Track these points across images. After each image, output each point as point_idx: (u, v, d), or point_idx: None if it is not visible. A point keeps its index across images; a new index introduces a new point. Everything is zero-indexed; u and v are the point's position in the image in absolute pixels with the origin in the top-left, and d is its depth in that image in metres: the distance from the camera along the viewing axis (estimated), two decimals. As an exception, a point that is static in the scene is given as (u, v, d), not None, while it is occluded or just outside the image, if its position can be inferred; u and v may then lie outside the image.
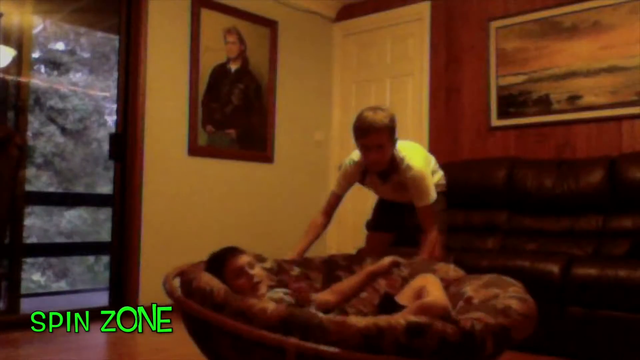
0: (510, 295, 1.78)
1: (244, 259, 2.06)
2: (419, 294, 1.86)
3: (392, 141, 2.70)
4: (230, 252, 2.09)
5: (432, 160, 3.05)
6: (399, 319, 1.49)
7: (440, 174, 3.05)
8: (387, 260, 2.23)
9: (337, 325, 1.47)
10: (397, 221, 3.19)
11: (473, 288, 1.99)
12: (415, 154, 2.83)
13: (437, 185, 2.91)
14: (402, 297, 1.94)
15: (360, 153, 2.73)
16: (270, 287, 2.12)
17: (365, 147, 2.64)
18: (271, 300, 1.88)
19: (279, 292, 2.07)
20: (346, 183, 2.91)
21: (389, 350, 1.44)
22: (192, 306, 1.74)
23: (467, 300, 1.83)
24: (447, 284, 2.11)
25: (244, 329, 1.56)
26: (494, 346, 1.54)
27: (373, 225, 3.38)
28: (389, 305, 1.92)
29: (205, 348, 1.85)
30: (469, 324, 1.51)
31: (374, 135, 2.59)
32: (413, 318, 1.49)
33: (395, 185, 2.86)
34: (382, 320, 1.48)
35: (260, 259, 2.40)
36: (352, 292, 2.20)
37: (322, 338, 1.46)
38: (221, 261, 2.07)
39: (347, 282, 2.23)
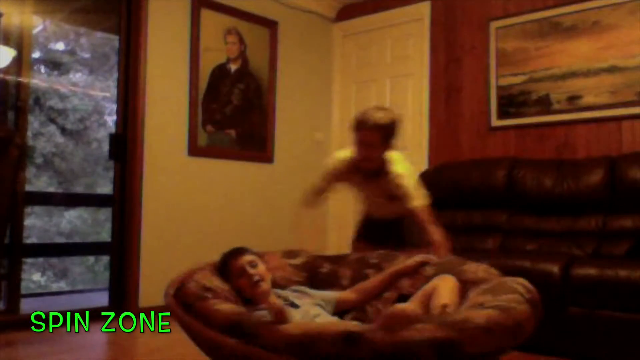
0: (492, 305, 1.61)
1: (245, 259, 2.06)
2: (430, 295, 1.81)
3: (386, 143, 2.68)
4: (232, 253, 2.11)
5: (417, 179, 2.98)
6: (339, 325, 1.48)
7: (424, 192, 2.90)
8: (415, 259, 2.20)
9: (270, 330, 1.47)
10: (383, 238, 3.03)
11: (474, 293, 1.87)
12: (404, 163, 2.83)
13: None
14: (415, 298, 1.89)
15: (355, 147, 2.73)
16: (296, 283, 2.12)
17: (357, 141, 2.67)
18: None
19: (286, 292, 2.07)
20: (332, 177, 2.90)
21: (323, 357, 1.39)
22: (193, 325, 1.73)
23: (443, 306, 1.73)
24: (471, 285, 1.95)
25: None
26: None
27: (357, 237, 3.26)
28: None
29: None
30: (407, 335, 1.39)
31: (366, 132, 2.61)
32: (350, 326, 1.46)
33: (382, 188, 2.82)
34: (318, 326, 1.47)
35: (292, 255, 2.41)
36: (375, 291, 2.18)
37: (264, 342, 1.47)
38: (225, 263, 2.09)
39: (372, 282, 2.21)
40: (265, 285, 2.03)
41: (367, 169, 2.79)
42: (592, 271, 2.92)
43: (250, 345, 1.49)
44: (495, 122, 4.34)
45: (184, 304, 1.77)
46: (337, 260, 2.49)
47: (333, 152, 5.26)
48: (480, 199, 4.03)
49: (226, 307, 1.65)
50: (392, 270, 2.20)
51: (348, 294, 2.17)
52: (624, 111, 3.79)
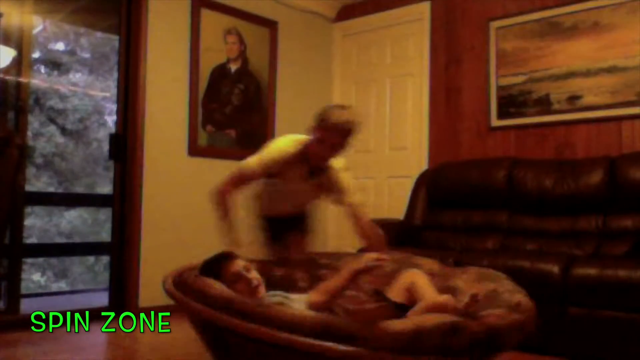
0: (511, 290, 1.86)
1: (239, 263, 2.07)
2: (410, 289, 1.90)
3: (348, 144, 2.64)
4: (224, 258, 2.12)
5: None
6: (432, 319, 1.54)
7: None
8: (371, 257, 2.23)
9: (371, 329, 1.50)
10: (285, 231, 3.00)
11: (464, 282, 2.01)
12: (342, 159, 2.79)
13: None
14: (393, 293, 1.97)
15: (318, 144, 2.57)
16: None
17: (326, 141, 2.55)
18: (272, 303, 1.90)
19: (277, 296, 2.07)
20: (274, 166, 2.65)
21: (428, 350, 1.47)
22: (210, 313, 1.75)
23: (473, 296, 1.84)
24: (431, 277, 2.15)
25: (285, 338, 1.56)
26: (514, 341, 1.61)
27: (271, 241, 3.02)
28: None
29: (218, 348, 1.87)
30: (493, 320, 1.57)
31: (339, 135, 2.53)
32: (447, 318, 1.54)
33: (314, 185, 2.76)
34: (419, 321, 1.54)
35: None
36: (339, 290, 2.20)
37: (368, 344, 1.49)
38: (218, 267, 2.09)
39: (334, 282, 2.20)
40: (262, 290, 2.04)
41: (317, 166, 2.68)
42: (592, 271, 2.91)
43: (253, 323, 1.53)
44: (495, 122, 4.34)
45: (183, 287, 1.81)
46: (283, 263, 2.53)
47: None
48: (480, 199, 4.03)
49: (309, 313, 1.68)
50: (352, 269, 2.21)
51: (317, 296, 2.17)
52: (624, 111, 3.79)
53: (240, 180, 2.69)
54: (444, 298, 1.78)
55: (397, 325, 1.50)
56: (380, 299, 2.03)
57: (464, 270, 2.20)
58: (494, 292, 1.86)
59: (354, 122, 2.54)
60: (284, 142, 2.69)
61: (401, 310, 1.90)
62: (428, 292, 1.92)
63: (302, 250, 2.83)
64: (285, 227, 2.97)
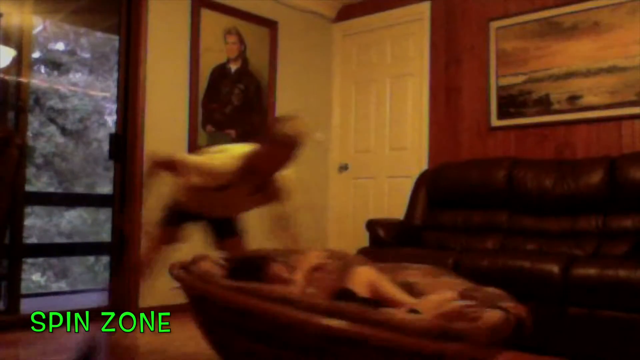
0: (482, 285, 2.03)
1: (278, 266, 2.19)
2: (374, 286, 2.02)
3: None
4: (264, 260, 2.22)
5: None
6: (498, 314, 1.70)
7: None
8: (319, 254, 2.25)
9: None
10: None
11: (416, 277, 2.15)
12: None
13: None
14: (357, 290, 2.04)
15: (266, 158, 2.46)
16: None
17: (280, 158, 2.45)
18: None
19: None
20: (214, 182, 2.48)
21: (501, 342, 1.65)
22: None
23: (463, 293, 1.91)
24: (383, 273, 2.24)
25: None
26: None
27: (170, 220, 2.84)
28: (347, 297, 1.99)
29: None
30: (517, 311, 1.73)
31: (298, 151, 2.45)
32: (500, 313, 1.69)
33: (258, 199, 2.67)
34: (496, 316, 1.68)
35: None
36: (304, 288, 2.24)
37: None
38: (256, 268, 2.19)
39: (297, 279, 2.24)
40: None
41: (264, 180, 2.58)
42: (592, 271, 2.91)
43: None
44: (495, 122, 4.33)
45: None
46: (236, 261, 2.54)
47: (333, 152, 5.28)
48: (480, 199, 4.03)
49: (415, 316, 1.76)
50: (308, 266, 2.23)
51: None
52: (624, 111, 3.78)
53: (176, 172, 2.54)
54: (451, 295, 1.88)
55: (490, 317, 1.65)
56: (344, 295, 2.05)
57: (404, 266, 2.32)
58: (477, 287, 2.00)
59: (303, 134, 2.42)
60: (229, 153, 2.51)
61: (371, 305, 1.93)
62: (394, 289, 2.03)
63: (242, 251, 2.80)
64: (218, 229, 2.90)
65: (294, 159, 2.47)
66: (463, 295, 1.85)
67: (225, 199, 2.61)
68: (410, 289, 2.07)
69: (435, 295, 1.95)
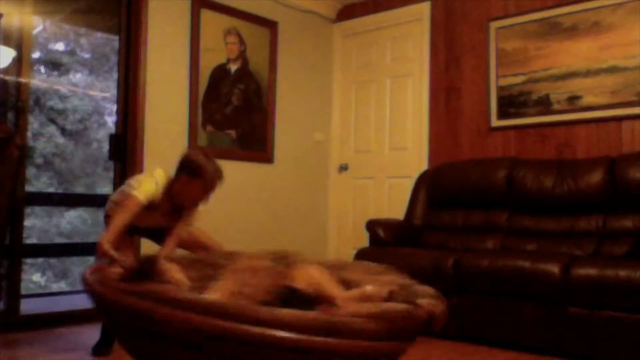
0: (415, 282, 2.08)
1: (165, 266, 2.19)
2: (314, 283, 2.06)
3: None
4: (153, 260, 2.23)
5: None
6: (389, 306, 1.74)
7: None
8: (266, 254, 2.28)
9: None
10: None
11: (356, 274, 2.19)
12: None
13: None
14: (300, 286, 2.07)
15: (186, 191, 2.73)
16: None
17: (201, 195, 2.74)
18: None
19: None
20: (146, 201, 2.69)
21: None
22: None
23: (393, 290, 1.99)
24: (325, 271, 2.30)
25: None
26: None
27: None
28: (292, 295, 2.02)
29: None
30: (429, 307, 1.79)
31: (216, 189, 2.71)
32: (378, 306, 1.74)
33: (173, 219, 2.92)
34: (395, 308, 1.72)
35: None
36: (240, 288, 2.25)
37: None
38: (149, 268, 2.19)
39: (231, 281, 2.25)
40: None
41: (180, 206, 2.86)
42: (592, 271, 2.92)
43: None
44: (495, 122, 4.34)
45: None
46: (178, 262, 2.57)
47: (333, 152, 5.28)
48: (480, 199, 4.03)
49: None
50: (249, 265, 2.25)
51: (218, 295, 2.20)
52: (624, 111, 3.78)
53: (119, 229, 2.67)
54: (371, 289, 1.93)
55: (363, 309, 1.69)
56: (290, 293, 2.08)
57: (350, 264, 2.43)
58: (407, 285, 2.04)
59: (221, 174, 2.69)
60: (153, 183, 2.74)
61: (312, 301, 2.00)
62: (330, 284, 2.08)
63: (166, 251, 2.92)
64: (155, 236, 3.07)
65: (210, 196, 2.74)
66: (392, 292, 1.89)
67: (151, 216, 2.86)
68: (349, 285, 2.11)
69: (356, 289, 2.02)
